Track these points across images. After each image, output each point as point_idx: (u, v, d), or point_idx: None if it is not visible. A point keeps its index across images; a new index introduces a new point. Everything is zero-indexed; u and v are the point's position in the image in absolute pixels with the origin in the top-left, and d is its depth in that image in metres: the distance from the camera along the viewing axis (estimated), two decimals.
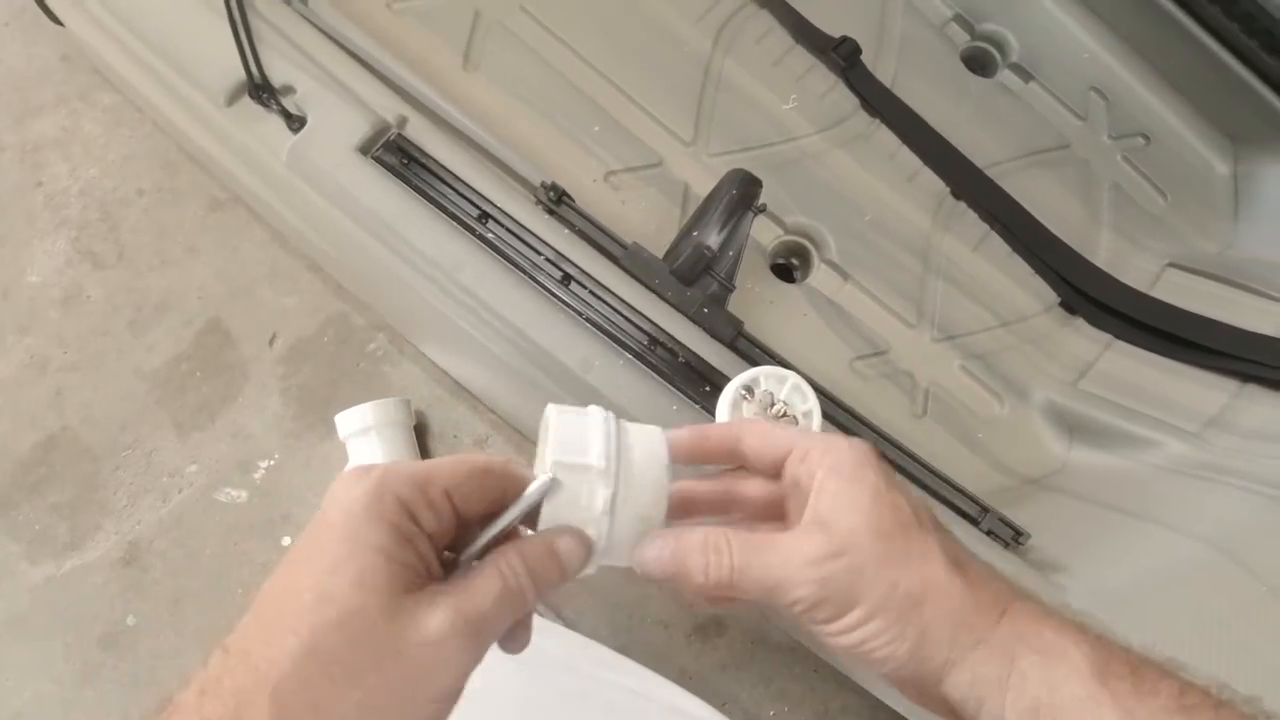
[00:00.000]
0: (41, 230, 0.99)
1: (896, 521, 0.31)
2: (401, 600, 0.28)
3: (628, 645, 0.92)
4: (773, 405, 0.51)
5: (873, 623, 0.30)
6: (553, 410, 0.33)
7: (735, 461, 0.36)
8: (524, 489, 0.31)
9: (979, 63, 0.91)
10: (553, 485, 0.31)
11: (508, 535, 0.31)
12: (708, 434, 0.36)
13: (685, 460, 0.36)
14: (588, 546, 0.31)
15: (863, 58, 0.85)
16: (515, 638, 0.32)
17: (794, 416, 0.52)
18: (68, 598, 0.89)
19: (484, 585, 0.29)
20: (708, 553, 0.31)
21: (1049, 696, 0.29)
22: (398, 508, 0.29)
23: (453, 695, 0.29)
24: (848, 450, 0.33)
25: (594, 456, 0.31)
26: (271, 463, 0.93)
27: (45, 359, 0.95)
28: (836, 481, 0.32)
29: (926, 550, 0.31)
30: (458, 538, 0.32)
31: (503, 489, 0.31)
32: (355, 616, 0.27)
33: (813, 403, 0.52)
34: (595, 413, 0.33)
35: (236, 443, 0.94)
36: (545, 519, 0.31)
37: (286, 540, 0.91)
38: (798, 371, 0.53)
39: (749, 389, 0.53)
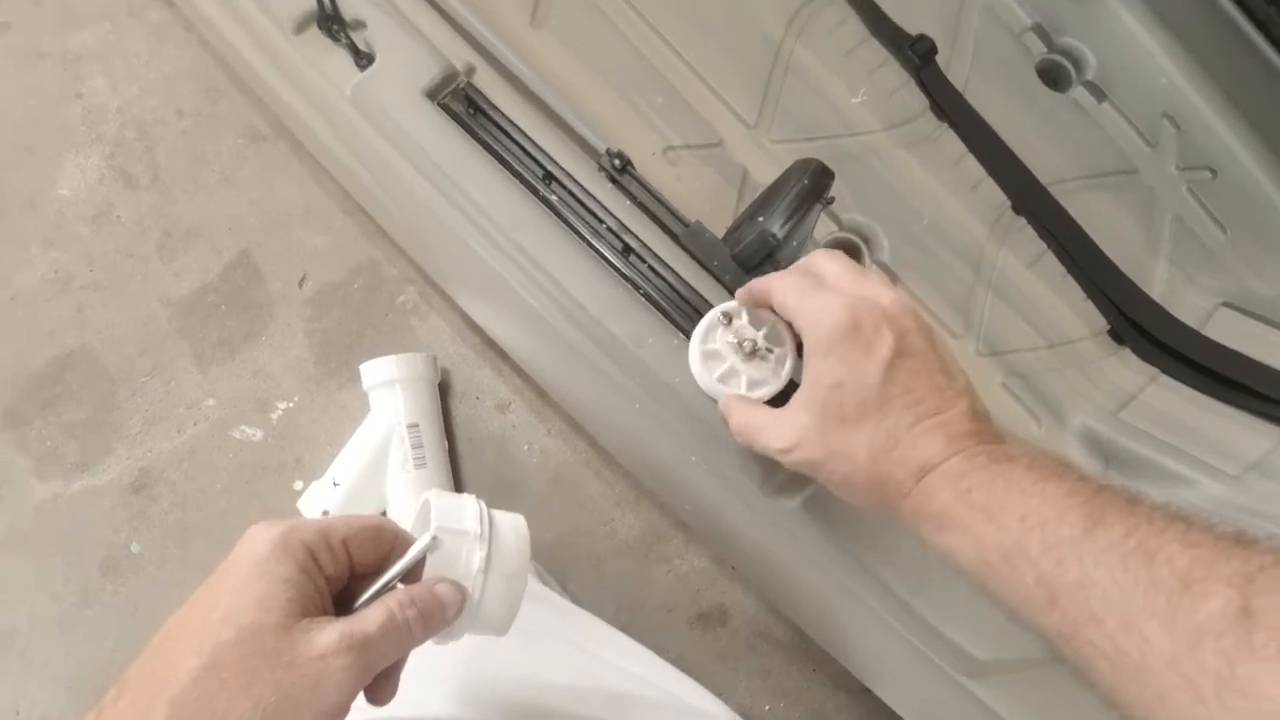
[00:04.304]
0: (76, 144, 0.97)
1: (838, 418, 0.42)
2: (297, 620, 0.31)
3: (628, 625, 0.92)
4: (745, 339, 0.52)
5: (828, 489, 0.45)
6: (432, 494, 0.39)
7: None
8: (410, 547, 0.37)
9: (1052, 76, 0.88)
10: (434, 543, 0.36)
11: (393, 588, 0.36)
12: (754, 297, 0.50)
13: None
14: (463, 595, 0.36)
15: (937, 58, 0.82)
16: (382, 688, 0.36)
17: (764, 350, 0.52)
18: (73, 519, 0.88)
19: (371, 615, 0.33)
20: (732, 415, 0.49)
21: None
22: (302, 549, 0.33)
23: (338, 712, 0.32)
24: (826, 325, 0.42)
25: (470, 524, 0.37)
26: (290, 405, 0.92)
27: (69, 275, 0.93)
28: (808, 368, 0.44)
29: (850, 447, 0.42)
30: (349, 588, 0.36)
31: (392, 545, 0.37)
32: (252, 630, 0.30)
33: (788, 347, 0.52)
34: (469, 497, 0.40)
35: (256, 381, 0.92)
36: (428, 574, 0.36)
37: (299, 485, 0.90)
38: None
39: (728, 315, 0.52)
